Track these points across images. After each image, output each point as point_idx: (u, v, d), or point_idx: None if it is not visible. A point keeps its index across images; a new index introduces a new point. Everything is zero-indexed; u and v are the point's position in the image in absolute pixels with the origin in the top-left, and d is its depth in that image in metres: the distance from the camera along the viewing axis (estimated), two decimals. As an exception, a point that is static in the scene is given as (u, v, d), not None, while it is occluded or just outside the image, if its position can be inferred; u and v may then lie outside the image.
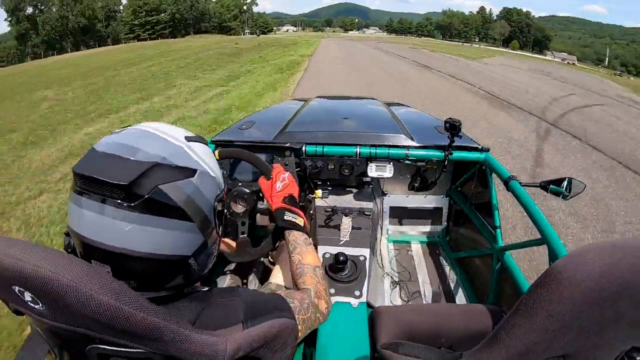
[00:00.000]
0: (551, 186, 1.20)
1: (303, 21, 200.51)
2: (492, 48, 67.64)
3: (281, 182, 0.86)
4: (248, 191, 1.02)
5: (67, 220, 0.49)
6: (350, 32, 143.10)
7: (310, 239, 0.83)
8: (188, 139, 0.54)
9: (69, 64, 18.48)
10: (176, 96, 7.89)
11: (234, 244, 1.00)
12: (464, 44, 74.95)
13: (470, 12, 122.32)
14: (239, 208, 1.02)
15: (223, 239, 1.07)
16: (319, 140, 1.45)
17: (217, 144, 1.44)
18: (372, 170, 1.40)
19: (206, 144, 0.58)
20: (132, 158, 0.46)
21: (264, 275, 1.39)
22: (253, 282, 1.39)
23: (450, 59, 20.84)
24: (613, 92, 12.60)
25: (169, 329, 0.41)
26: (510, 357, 0.48)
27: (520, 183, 1.20)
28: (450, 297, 1.60)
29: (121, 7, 67.38)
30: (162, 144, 0.50)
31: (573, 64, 47.46)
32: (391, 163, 1.41)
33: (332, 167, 1.44)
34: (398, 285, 1.59)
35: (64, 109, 7.16)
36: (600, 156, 4.75)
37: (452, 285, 1.65)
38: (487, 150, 1.45)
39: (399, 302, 1.52)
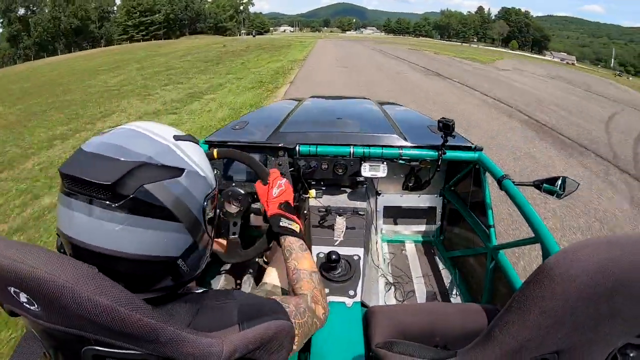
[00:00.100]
0: (545, 185, 1.21)
1: (300, 21, 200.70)
2: (491, 48, 67.46)
3: (278, 188, 0.86)
4: (243, 192, 1.01)
5: (56, 221, 0.48)
6: (347, 32, 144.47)
7: (306, 245, 0.83)
8: (177, 138, 0.54)
9: (29, 75, 16.22)
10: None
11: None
12: (463, 44, 74.88)
13: (469, 12, 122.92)
14: (233, 208, 1.01)
15: (216, 240, 1.07)
16: (312, 140, 1.45)
17: (210, 145, 1.44)
18: (366, 170, 1.40)
19: (197, 143, 0.58)
20: (118, 158, 0.46)
21: (259, 276, 1.39)
22: (248, 283, 1.38)
23: (460, 63, 18.45)
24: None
25: (166, 331, 0.41)
26: (504, 354, 0.49)
27: (513, 182, 1.20)
28: (444, 296, 1.60)
29: (115, 8, 66.94)
30: (149, 143, 0.50)
31: (572, 64, 47.39)
32: (385, 163, 1.41)
33: (326, 167, 1.44)
34: (392, 285, 1.59)
35: None
36: None
37: (446, 285, 1.65)
38: (481, 149, 1.45)
39: (393, 301, 1.52)
